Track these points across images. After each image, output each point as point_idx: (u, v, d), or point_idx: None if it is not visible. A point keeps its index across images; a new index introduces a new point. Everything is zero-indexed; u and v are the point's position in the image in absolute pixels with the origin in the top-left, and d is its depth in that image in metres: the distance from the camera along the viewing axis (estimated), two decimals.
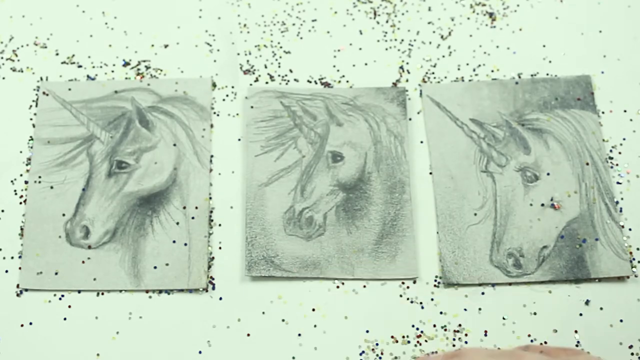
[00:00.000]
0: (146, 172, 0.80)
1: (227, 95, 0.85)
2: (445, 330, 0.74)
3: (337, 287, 0.76)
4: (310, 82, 0.86)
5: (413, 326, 0.75)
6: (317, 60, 0.87)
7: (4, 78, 0.86)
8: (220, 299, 0.76)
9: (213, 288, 0.76)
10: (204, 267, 0.76)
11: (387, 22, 0.89)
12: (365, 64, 0.87)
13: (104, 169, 0.80)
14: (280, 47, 0.87)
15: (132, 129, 0.82)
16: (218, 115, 0.84)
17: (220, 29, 0.89)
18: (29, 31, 0.88)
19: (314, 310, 0.75)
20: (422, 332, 0.74)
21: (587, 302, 0.76)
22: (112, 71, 0.86)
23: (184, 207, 0.79)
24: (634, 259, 0.77)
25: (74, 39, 0.88)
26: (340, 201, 0.79)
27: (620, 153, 0.82)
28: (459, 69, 0.86)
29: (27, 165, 0.81)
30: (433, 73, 0.86)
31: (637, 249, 0.78)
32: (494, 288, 0.76)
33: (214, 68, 0.86)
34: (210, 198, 0.80)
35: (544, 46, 0.88)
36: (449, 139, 0.82)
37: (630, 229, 0.78)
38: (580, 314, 0.75)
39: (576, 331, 0.74)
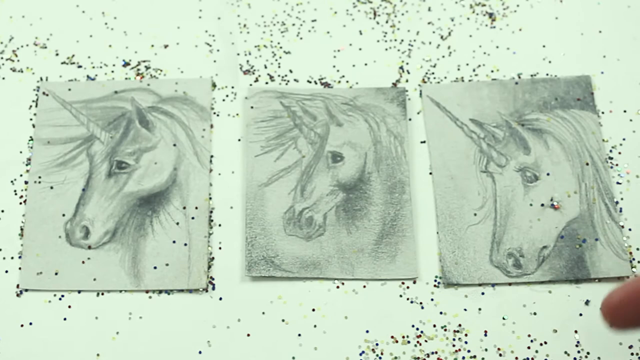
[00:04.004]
0: (146, 172, 0.80)
1: (227, 96, 0.85)
2: (445, 330, 0.74)
3: (337, 287, 0.76)
4: (310, 82, 0.86)
5: (413, 326, 0.75)
6: (317, 60, 0.87)
7: (4, 78, 0.86)
8: (220, 299, 0.76)
9: (213, 288, 0.76)
10: (204, 267, 0.76)
11: (387, 22, 0.89)
12: (365, 64, 0.87)
13: (104, 169, 0.80)
14: (280, 47, 0.88)
15: (132, 129, 0.82)
16: (218, 115, 0.84)
17: (220, 29, 0.89)
18: (29, 31, 0.88)
19: (314, 310, 0.75)
20: (422, 332, 0.74)
21: (587, 302, 0.76)
22: (112, 71, 0.86)
23: (184, 207, 0.79)
24: (634, 259, 0.77)
25: (74, 39, 0.88)
26: (340, 201, 0.79)
27: (620, 153, 0.82)
28: (459, 69, 0.86)
29: (27, 165, 0.81)
30: (433, 73, 0.86)
31: (637, 249, 0.78)
32: (494, 288, 0.76)
33: (214, 68, 0.86)
34: (210, 198, 0.80)
35: (543, 46, 0.88)
36: (449, 139, 0.82)
37: (630, 229, 0.78)
38: (580, 314, 0.75)
39: (576, 331, 0.74)
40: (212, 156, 0.82)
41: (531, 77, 0.86)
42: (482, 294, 0.76)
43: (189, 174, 0.80)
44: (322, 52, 0.87)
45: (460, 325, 0.75)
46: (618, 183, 0.80)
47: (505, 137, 0.82)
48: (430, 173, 0.81)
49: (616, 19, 0.89)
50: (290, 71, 0.86)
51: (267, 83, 0.85)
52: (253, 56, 0.87)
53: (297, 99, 0.84)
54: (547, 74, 0.86)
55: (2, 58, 0.87)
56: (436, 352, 0.73)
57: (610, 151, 0.82)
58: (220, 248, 0.78)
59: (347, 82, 0.86)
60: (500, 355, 0.73)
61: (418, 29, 0.89)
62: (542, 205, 0.79)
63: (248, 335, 0.74)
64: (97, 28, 0.89)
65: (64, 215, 0.78)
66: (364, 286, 0.76)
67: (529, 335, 0.74)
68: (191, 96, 0.84)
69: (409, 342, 0.74)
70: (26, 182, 0.80)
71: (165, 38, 0.88)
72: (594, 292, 0.76)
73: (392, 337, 0.74)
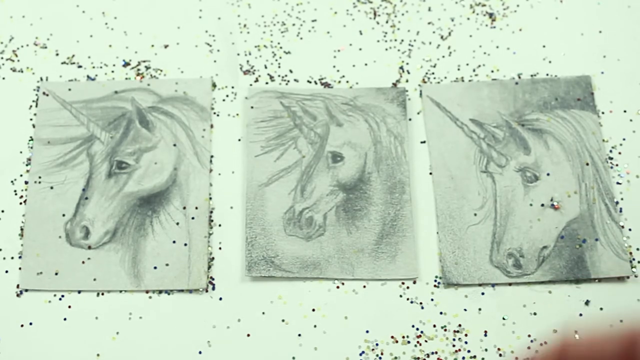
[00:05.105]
0: (146, 173, 0.80)
1: (227, 96, 0.85)
2: (445, 330, 0.74)
3: (337, 287, 0.76)
4: (310, 82, 0.86)
5: (413, 326, 0.75)
6: (317, 60, 0.87)
7: (4, 78, 0.86)
8: (220, 299, 0.76)
9: (213, 288, 0.76)
10: (204, 267, 0.76)
11: (387, 22, 0.89)
12: (365, 64, 0.87)
13: (104, 169, 0.80)
14: (280, 47, 0.87)
15: (132, 129, 0.82)
16: (218, 115, 0.84)
17: (220, 29, 0.89)
18: (29, 31, 0.88)
19: (314, 310, 0.75)
20: (422, 332, 0.74)
21: (587, 302, 0.76)
22: (112, 71, 0.86)
23: (184, 208, 0.79)
24: (634, 259, 0.77)
25: (74, 39, 0.88)
26: (340, 201, 0.79)
27: (620, 153, 0.82)
28: (459, 69, 0.86)
29: (27, 165, 0.81)
30: (433, 73, 0.86)
31: (637, 249, 0.78)
32: (494, 288, 0.76)
33: (214, 68, 0.86)
34: (210, 198, 0.80)
35: (544, 46, 0.88)
36: (449, 139, 0.82)
37: (630, 229, 0.78)
38: (580, 314, 0.75)
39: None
40: (212, 156, 0.82)
41: (531, 77, 0.86)
42: (482, 294, 0.76)
43: (189, 174, 0.80)
44: (322, 52, 0.87)
45: (460, 325, 0.75)
46: (618, 183, 0.80)
47: (505, 137, 0.82)
48: (430, 173, 0.81)
49: (616, 19, 0.89)
50: (291, 71, 0.86)
51: (267, 83, 0.85)
52: (253, 56, 0.87)
53: (297, 99, 0.84)
54: (547, 74, 0.86)
55: (2, 58, 0.87)
56: (436, 352, 0.73)
57: (610, 151, 0.82)
58: (220, 248, 0.78)
59: (347, 82, 0.86)
60: (500, 355, 0.73)
61: (418, 29, 0.89)
62: (542, 205, 0.79)
63: (248, 335, 0.74)
64: (97, 28, 0.89)
65: (64, 215, 0.78)
66: (364, 286, 0.76)
67: (529, 335, 0.74)
68: (191, 96, 0.84)
69: (409, 342, 0.74)
70: (26, 182, 0.80)
71: (165, 38, 0.88)
72: (594, 292, 0.76)
73: (392, 337, 0.74)
